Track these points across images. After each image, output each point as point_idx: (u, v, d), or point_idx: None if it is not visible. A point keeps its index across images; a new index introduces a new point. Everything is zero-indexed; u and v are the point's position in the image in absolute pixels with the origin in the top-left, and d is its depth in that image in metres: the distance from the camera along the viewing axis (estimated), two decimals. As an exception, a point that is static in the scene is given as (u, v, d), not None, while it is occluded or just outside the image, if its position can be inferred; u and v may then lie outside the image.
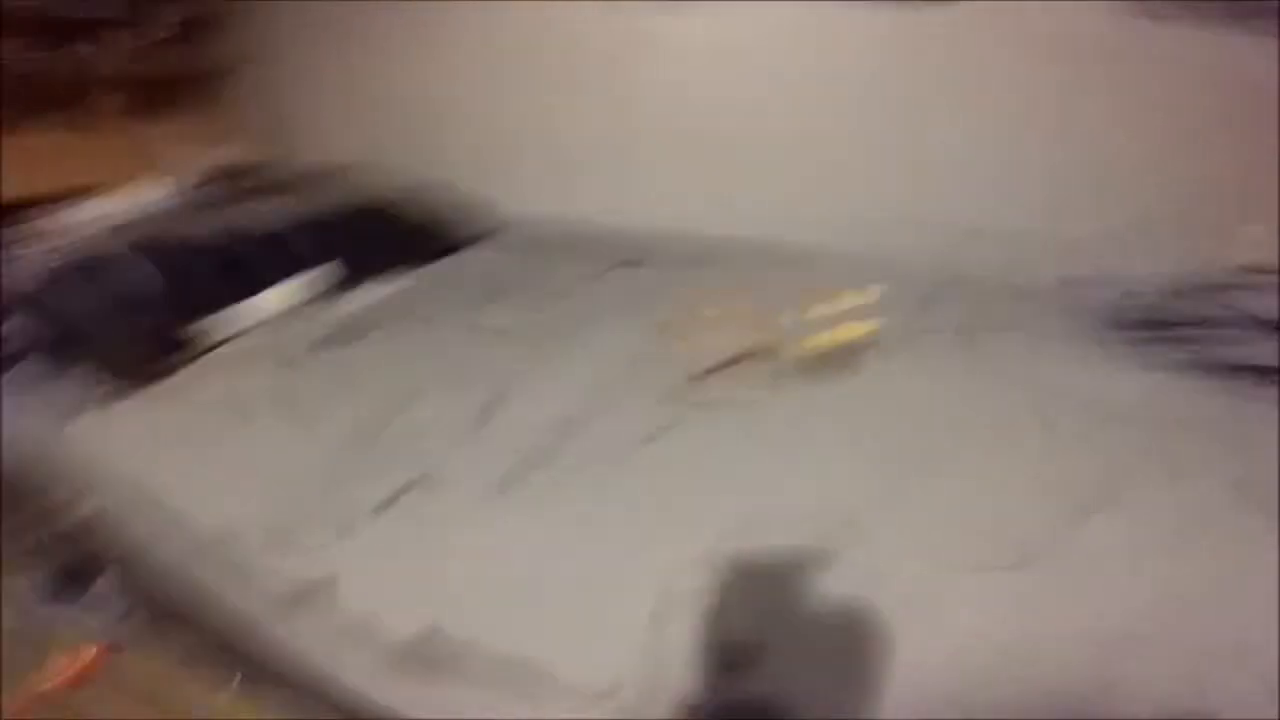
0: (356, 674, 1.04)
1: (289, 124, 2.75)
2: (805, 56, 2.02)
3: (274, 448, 1.15)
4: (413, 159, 2.30)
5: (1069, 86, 1.77)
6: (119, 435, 1.27)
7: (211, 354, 1.43)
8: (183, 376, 1.38)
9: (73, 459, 1.35)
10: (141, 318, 1.37)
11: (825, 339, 1.26)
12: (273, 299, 1.55)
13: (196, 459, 1.17)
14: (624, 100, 2.26)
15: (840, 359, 1.26)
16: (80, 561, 1.84)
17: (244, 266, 1.56)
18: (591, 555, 0.91)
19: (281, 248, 1.66)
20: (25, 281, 1.46)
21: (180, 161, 2.16)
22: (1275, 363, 1.21)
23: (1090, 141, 1.78)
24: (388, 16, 2.48)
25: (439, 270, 1.88)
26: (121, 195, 1.78)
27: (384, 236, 1.89)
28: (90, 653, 1.57)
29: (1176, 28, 1.63)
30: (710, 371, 1.26)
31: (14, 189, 1.92)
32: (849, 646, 0.76)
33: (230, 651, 1.40)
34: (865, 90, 1.97)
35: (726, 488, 1.00)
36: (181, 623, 1.52)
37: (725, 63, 2.10)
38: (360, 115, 2.61)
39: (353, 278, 1.73)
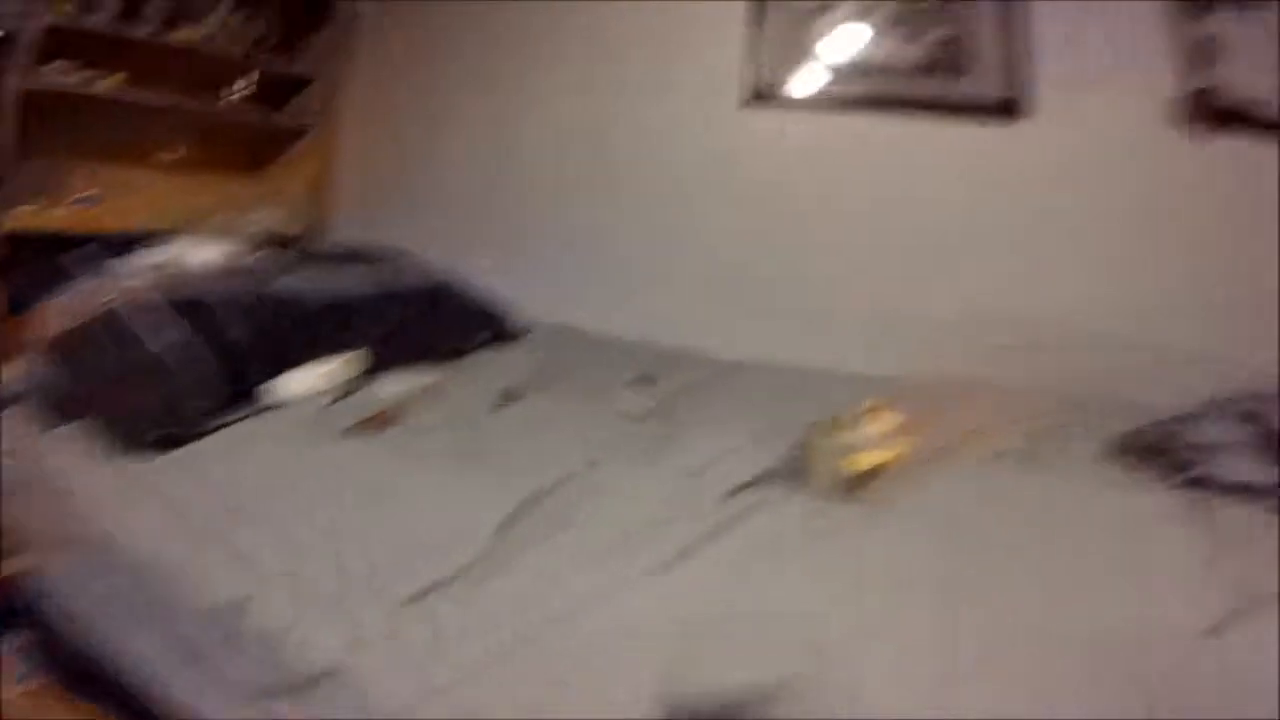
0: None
1: (337, 200, 2.82)
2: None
3: (304, 530, 1.09)
4: (447, 252, 2.34)
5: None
6: (122, 494, 1.21)
7: (237, 427, 1.37)
8: (212, 442, 1.33)
9: (59, 510, 1.27)
10: (170, 381, 1.32)
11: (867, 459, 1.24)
12: (304, 379, 1.51)
13: (206, 530, 1.11)
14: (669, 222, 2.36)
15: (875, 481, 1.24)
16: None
17: (284, 341, 1.53)
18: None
19: (325, 324, 1.64)
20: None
21: (230, 220, 2.17)
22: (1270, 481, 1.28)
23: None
24: (462, 103, 2.60)
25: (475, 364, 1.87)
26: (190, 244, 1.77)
27: (422, 325, 1.87)
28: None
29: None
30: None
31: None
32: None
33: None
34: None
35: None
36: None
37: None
38: (408, 201, 2.68)
39: (382, 364, 1.69)
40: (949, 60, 2.09)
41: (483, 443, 1.40)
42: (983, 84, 2.05)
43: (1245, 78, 1.87)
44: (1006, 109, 2.04)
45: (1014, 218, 2.05)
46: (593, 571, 1.00)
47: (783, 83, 2.21)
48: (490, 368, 1.86)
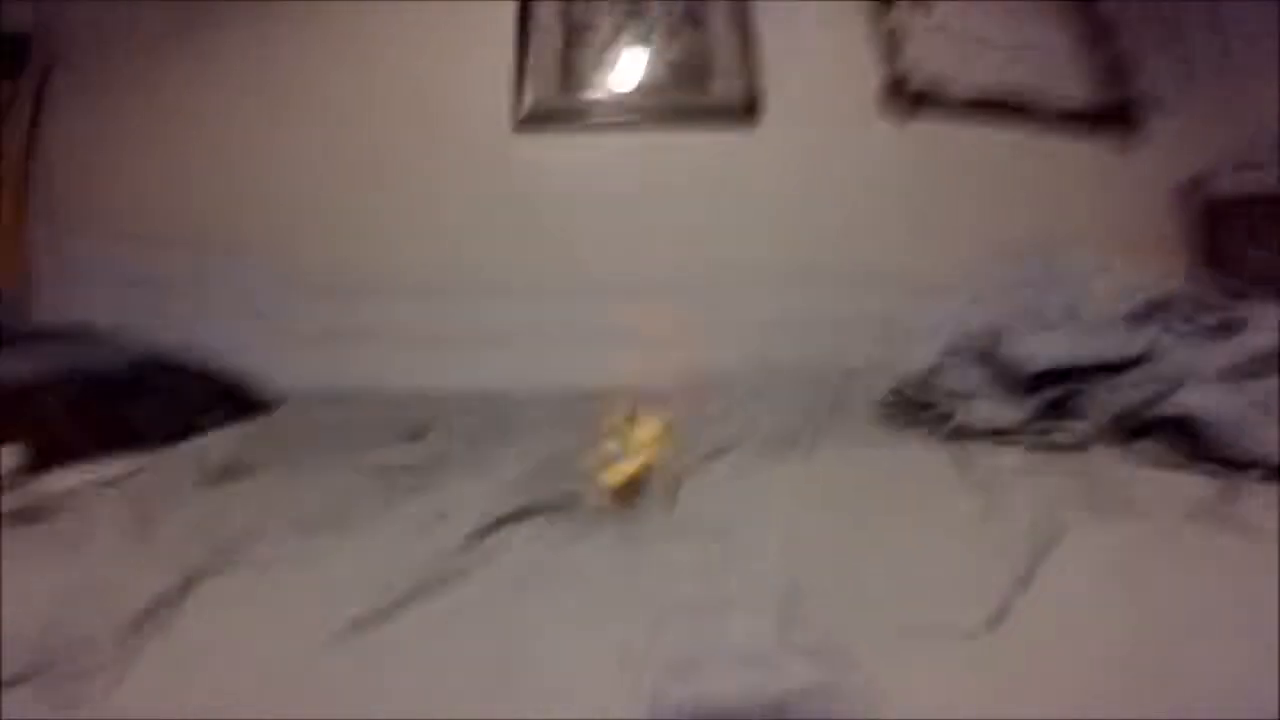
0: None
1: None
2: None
3: None
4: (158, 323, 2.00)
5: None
6: None
7: None
8: None
9: None
10: None
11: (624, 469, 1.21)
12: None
13: None
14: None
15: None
16: None
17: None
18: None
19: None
20: None
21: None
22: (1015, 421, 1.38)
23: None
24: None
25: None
26: None
27: (111, 410, 1.55)
28: None
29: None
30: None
31: None
32: None
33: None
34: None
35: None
36: None
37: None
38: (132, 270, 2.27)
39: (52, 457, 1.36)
40: (693, 72, 2.23)
41: (155, 529, 1.13)
42: (725, 90, 2.21)
43: (928, 63, 2.10)
44: (748, 110, 2.19)
45: (760, 214, 2.15)
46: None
47: (553, 106, 2.22)
48: (214, 446, 1.56)
